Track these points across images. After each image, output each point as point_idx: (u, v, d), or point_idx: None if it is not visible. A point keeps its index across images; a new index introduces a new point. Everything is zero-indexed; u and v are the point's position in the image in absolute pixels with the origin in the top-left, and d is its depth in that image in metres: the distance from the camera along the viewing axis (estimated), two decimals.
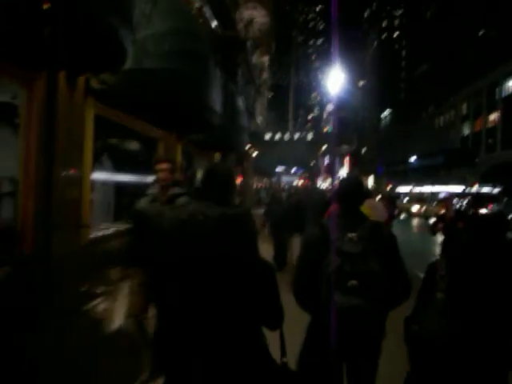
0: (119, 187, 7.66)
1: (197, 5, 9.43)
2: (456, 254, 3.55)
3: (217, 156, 13.55)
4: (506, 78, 46.20)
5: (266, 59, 29.38)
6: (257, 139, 21.33)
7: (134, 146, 8.53)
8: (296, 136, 26.36)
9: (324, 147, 48.29)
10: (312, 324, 3.42)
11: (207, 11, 11.52)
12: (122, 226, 6.43)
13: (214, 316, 2.51)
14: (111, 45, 3.63)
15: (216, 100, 7.29)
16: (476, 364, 3.09)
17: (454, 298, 3.16)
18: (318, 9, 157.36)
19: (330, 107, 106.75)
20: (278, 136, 24.82)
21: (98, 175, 6.60)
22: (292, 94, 52.11)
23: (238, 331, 2.54)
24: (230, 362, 2.51)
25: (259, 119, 26.07)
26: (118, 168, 7.56)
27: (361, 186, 3.56)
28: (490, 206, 25.41)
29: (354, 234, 3.13)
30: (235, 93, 11.26)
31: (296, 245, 10.90)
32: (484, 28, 52.16)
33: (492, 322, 3.09)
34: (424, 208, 37.51)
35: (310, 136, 29.50)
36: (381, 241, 3.17)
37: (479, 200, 28.65)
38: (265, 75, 28.35)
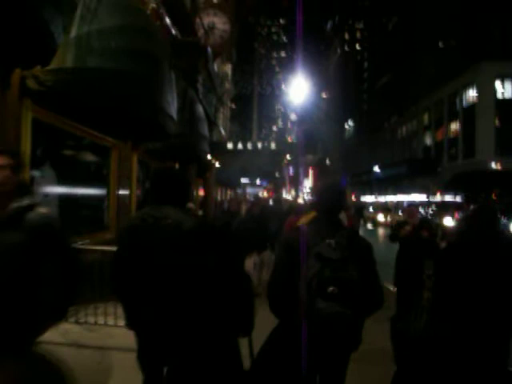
0: (65, 199, 7.07)
1: (152, 5, 8.96)
2: (444, 254, 3.55)
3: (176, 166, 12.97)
4: (465, 87, 47.08)
5: (228, 68, 29.11)
6: (219, 149, 20.90)
7: (83, 155, 7.95)
8: (259, 145, 26.03)
9: (288, 157, 48.30)
10: (279, 329, 3.29)
11: (167, 16, 11.07)
12: None
13: (182, 320, 2.54)
14: (34, 27, 3.14)
15: (172, 105, 6.79)
16: (466, 363, 3.12)
17: (441, 297, 3.23)
18: (280, 22, 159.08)
19: (293, 117, 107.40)
20: (240, 145, 24.44)
21: (39, 185, 6.05)
22: (255, 103, 52.06)
23: (210, 337, 2.60)
24: (198, 368, 2.58)
25: (222, 129, 25.72)
26: (64, 178, 6.97)
27: (343, 193, 3.51)
28: (456, 215, 25.53)
29: (332, 241, 3.05)
30: (195, 100, 10.77)
31: (250, 265, 9.05)
32: (444, 39, 53.20)
33: (482, 321, 3.12)
34: (389, 217, 37.72)
35: (273, 145, 29.19)
36: (358, 249, 3.14)
37: (445, 208, 28.94)
38: (227, 85, 28.09)
